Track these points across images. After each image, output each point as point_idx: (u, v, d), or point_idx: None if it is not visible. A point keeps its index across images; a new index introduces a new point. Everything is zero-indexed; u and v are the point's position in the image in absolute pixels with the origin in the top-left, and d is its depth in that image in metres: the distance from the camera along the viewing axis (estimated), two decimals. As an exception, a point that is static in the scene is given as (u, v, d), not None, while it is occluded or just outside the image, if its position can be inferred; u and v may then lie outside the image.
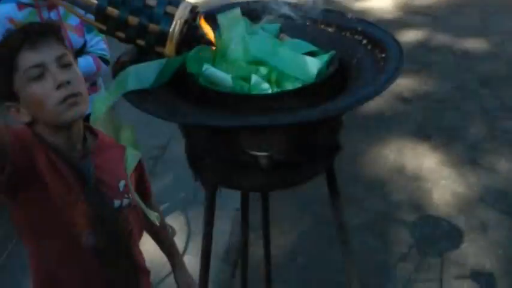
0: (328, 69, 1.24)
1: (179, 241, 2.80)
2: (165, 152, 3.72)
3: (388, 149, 3.73)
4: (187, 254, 2.78)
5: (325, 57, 1.26)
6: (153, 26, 1.13)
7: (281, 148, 1.18)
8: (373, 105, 4.01)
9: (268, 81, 1.22)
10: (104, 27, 1.16)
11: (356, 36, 1.38)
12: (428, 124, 4.03)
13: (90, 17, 1.24)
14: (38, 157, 1.11)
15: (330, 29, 1.44)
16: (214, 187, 1.33)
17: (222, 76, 1.16)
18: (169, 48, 1.15)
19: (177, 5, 1.15)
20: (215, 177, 1.31)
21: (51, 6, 2.04)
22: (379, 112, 4.14)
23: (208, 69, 1.17)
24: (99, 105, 1.20)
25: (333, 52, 1.27)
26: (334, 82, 1.21)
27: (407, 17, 6.03)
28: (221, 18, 1.26)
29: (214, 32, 1.27)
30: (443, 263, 2.76)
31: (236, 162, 1.22)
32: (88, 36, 2.16)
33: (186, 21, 1.15)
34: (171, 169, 3.47)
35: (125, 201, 1.27)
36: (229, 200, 3.21)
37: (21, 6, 2.01)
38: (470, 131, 3.92)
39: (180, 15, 1.13)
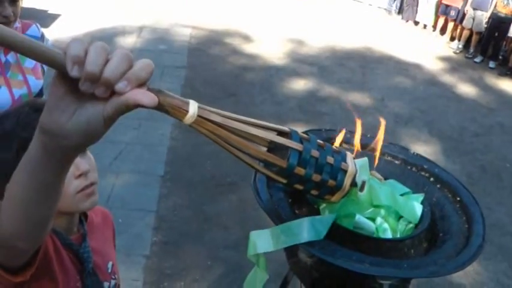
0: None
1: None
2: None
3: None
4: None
5: (419, 199, 1.59)
6: (331, 182, 1.24)
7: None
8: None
9: (385, 221, 1.52)
10: (284, 181, 1.19)
11: (422, 173, 1.74)
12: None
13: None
14: (48, 243, 1.03)
15: (396, 162, 1.78)
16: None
17: (368, 224, 1.42)
18: (338, 197, 1.30)
19: (345, 159, 1.27)
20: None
21: (7, 50, 1.96)
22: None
23: (360, 218, 1.41)
24: (264, 245, 1.33)
25: (423, 194, 1.61)
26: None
27: (295, 65, 6.51)
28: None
29: None
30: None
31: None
32: None
33: (354, 175, 1.30)
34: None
35: (112, 282, 1.26)
36: (136, 246, 3.32)
37: None
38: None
39: (351, 170, 1.27)
